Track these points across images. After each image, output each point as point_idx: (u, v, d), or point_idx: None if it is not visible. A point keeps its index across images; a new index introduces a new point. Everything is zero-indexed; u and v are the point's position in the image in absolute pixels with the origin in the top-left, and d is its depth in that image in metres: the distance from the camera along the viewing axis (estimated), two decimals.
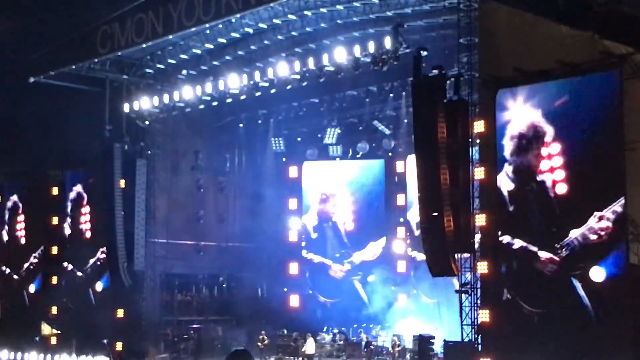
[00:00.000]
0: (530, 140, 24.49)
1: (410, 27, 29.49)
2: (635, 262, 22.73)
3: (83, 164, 39.37)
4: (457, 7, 26.49)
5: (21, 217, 42.13)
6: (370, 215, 39.05)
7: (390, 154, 38.15)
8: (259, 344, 33.29)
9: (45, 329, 39.97)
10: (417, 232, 33.85)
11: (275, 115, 39.03)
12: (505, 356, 24.51)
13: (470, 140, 25.55)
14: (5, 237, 42.80)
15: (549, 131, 23.99)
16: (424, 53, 26.26)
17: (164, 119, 36.59)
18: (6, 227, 42.81)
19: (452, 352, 26.65)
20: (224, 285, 41.32)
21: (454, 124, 25.32)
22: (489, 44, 25.84)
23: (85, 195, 38.99)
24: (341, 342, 35.13)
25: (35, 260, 40.84)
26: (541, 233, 24.21)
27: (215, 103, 34.66)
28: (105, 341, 35.41)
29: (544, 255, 24.01)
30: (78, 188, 39.10)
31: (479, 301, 25.51)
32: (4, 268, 42.61)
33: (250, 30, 32.64)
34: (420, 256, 31.61)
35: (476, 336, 25.50)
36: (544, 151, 24.06)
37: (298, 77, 31.64)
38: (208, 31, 32.91)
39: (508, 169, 24.98)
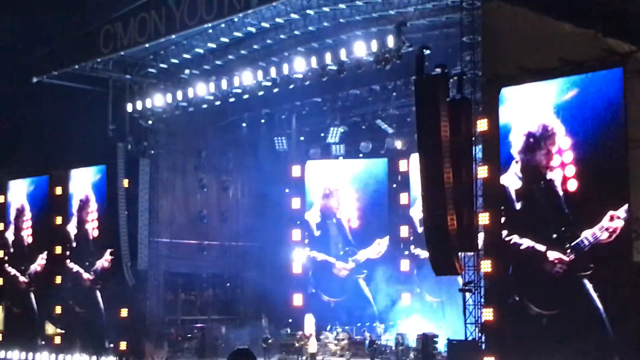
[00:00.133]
0: (539, 139, 24.37)
1: (413, 26, 29.43)
2: (639, 260, 22.66)
3: (87, 163, 39.36)
4: (459, 6, 26.44)
5: (27, 216, 42.11)
6: (374, 213, 38.97)
7: (394, 152, 38.09)
8: (263, 343, 33.25)
9: (50, 328, 40.00)
10: (420, 229, 33.86)
11: (278, 114, 38.96)
12: (509, 356, 24.43)
13: (473, 138, 25.48)
14: (12, 237, 42.78)
15: (558, 128, 23.84)
16: (427, 52, 26.19)
17: (167, 118, 36.54)
18: (12, 227, 42.80)
19: (455, 351, 26.58)
20: (228, 285, 41.28)
21: (457, 123, 25.24)
22: (491, 42, 25.76)
23: (92, 196, 38.98)
24: (345, 341, 35.07)
25: (43, 261, 40.80)
26: (550, 232, 24.07)
27: (218, 102, 34.63)
28: (111, 345, 35.39)
29: (552, 255, 23.88)
30: (86, 188, 39.10)
31: (482, 300, 25.43)
32: (9, 269, 42.60)
33: (253, 30, 32.57)
34: (424, 254, 31.54)
35: (480, 335, 25.43)
36: (554, 147, 23.92)
37: (301, 76, 31.59)
38: (211, 30, 32.85)
39: (516, 167, 24.86)
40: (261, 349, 32.83)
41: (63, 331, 38.76)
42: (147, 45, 33.49)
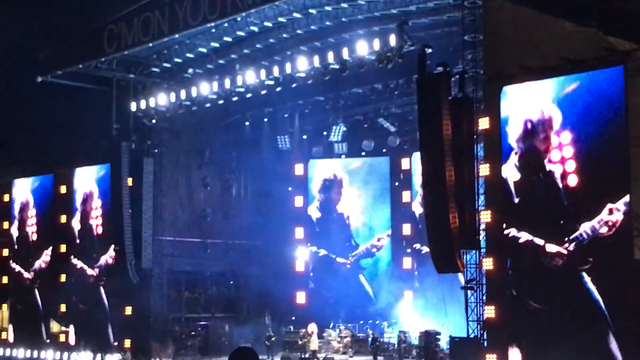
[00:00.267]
0: (537, 125, 24.28)
1: (414, 25, 29.40)
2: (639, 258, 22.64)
3: (91, 162, 39.40)
4: (461, 5, 26.41)
5: (32, 214, 42.18)
6: (376, 210, 38.97)
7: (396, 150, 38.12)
8: (266, 341, 33.27)
9: (55, 326, 40.06)
10: (421, 225, 33.86)
11: (281, 113, 38.97)
12: (511, 352, 24.44)
13: (475, 137, 25.46)
14: (16, 235, 42.84)
15: (557, 116, 23.78)
16: (429, 50, 26.21)
17: (170, 117, 36.53)
18: (17, 225, 42.86)
19: (457, 348, 26.58)
20: (231, 283, 41.30)
21: (458, 121, 25.24)
22: (493, 41, 25.74)
23: (96, 190, 39.05)
24: (348, 339, 35.09)
25: (48, 258, 40.89)
26: (548, 226, 24.02)
27: (221, 101, 34.62)
28: (115, 343, 35.45)
29: (551, 248, 23.86)
30: (90, 183, 39.18)
31: (484, 297, 25.42)
32: (13, 265, 42.66)
33: (256, 29, 32.56)
34: (425, 249, 31.58)
35: (482, 332, 25.43)
36: (554, 140, 23.85)
37: (303, 75, 31.57)
38: (214, 30, 32.87)
39: (514, 158, 24.81)
40: (264, 346, 32.85)
41: (68, 329, 38.82)
42: (150, 44, 33.49)
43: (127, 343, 34.65)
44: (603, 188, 22.86)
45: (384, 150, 38.48)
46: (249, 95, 33.76)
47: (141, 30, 32.93)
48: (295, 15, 31.16)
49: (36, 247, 41.56)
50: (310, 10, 30.77)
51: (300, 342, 33.86)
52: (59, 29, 38.02)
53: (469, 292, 25.74)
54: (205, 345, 35.84)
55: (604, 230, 22.67)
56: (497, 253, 25.07)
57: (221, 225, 40.54)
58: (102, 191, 38.51)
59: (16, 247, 42.65)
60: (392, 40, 28.39)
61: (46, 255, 40.88)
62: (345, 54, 29.82)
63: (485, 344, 25.28)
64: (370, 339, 33.25)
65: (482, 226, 25.53)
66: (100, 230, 38.50)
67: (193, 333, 36.69)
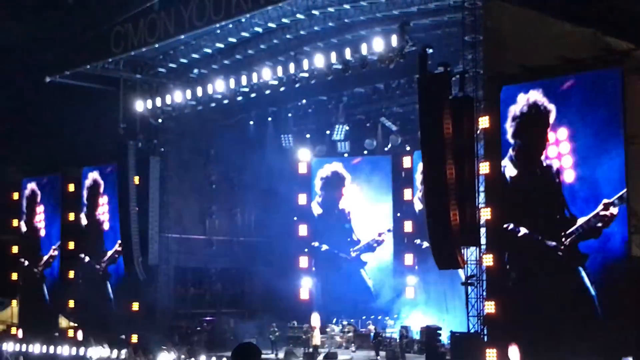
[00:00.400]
0: (533, 121, 24.28)
1: (416, 26, 29.34)
2: (638, 255, 22.62)
3: (98, 161, 39.47)
4: (462, 6, 26.40)
5: (40, 209, 42.24)
6: (378, 207, 38.98)
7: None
8: (270, 336, 33.29)
9: (63, 322, 40.13)
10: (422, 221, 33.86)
11: (284, 112, 38.96)
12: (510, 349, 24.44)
13: (475, 135, 25.46)
14: (26, 233, 42.92)
15: (553, 112, 23.78)
16: (430, 51, 26.19)
17: (176, 117, 36.55)
18: (26, 223, 42.94)
19: (458, 343, 26.59)
20: (236, 279, 41.32)
21: (459, 120, 25.25)
22: (493, 41, 25.73)
23: (102, 185, 39.12)
24: (350, 334, 35.09)
25: (56, 253, 40.99)
26: (545, 220, 24.04)
27: (226, 101, 34.60)
28: (123, 336, 35.50)
29: (548, 243, 23.86)
30: (95, 175, 39.25)
31: (484, 293, 25.42)
32: (22, 259, 42.74)
33: (260, 30, 32.56)
34: (425, 244, 31.60)
35: (482, 327, 25.43)
36: (551, 136, 23.86)
37: (306, 75, 31.55)
38: (219, 31, 32.87)
39: (511, 153, 24.84)
40: (269, 341, 32.87)
41: (76, 325, 38.89)
42: (156, 45, 33.54)
43: (134, 338, 34.70)
44: (599, 183, 22.86)
45: (386, 149, 38.46)
46: (253, 95, 33.74)
47: (147, 32, 32.97)
48: (299, 16, 31.15)
49: (44, 242, 41.64)
50: (314, 12, 30.75)
51: (303, 337, 33.88)
52: (66, 30, 38.03)
53: (470, 288, 25.74)
54: (210, 340, 35.84)
55: (599, 224, 22.68)
56: (497, 249, 25.08)
57: (226, 222, 40.58)
58: (108, 187, 38.61)
59: (25, 242, 42.71)
60: (394, 40, 28.36)
61: (54, 251, 40.99)
62: (347, 54, 29.78)
63: (486, 339, 25.29)
64: (372, 334, 33.25)
65: (482, 223, 25.53)
66: (107, 225, 38.58)
67: (199, 328, 36.72)
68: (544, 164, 24.01)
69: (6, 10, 38.81)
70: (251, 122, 39.97)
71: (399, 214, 38.18)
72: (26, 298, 42.38)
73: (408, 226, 37.43)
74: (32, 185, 42.97)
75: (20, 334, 41.01)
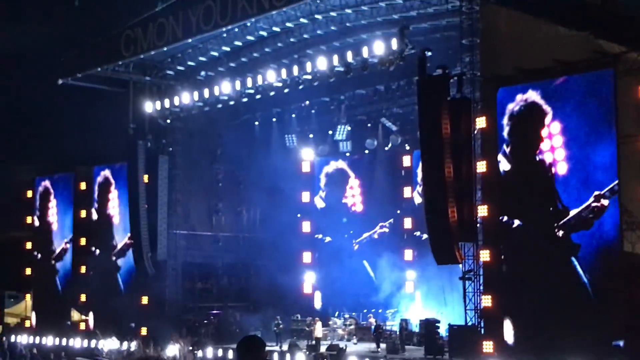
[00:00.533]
0: (529, 119, 24.26)
1: (415, 29, 29.36)
2: (629, 250, 22.62)
3: (109, 160, 39.51)
4: (459, 10, 26.40)
5: (53, 204, 42.26)
6: (378, 202, 38.97)
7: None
8: (275, 328, 33.30)
9: (75, 315, 40.16)
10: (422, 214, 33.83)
11: (288, 113, 38.96)
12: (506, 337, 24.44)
13: (472, 135, 25.44)
14: (39, 228, 42.96)
15: (548, 109, 23.76)
16: (429, 53, 26.22)
17: (184, 117, 36.59)
18: (39, 219, 42.96)
19: (456, 335, 26.59)
20: (242, 274, 41.34)
21: (457, 121, 25.25)
22: (489, 44, 25.73)
23: (112, 182, 39.16)
24: (352, 326, 35.10)
25: (67, 246, 41.02)
26: (539, 212, 24.01)
27: (232, 102, 34.62)
28: (133, 324, 35.58)
29: (542, 234, 23.83)
30: (106, 173, 39.31)
31: (481, 287, 25.42)
32: (36, 253, 42.77)
33: (265, 34, 32.57)
34: (425, 235, 31.54)
35: (479, 320, 25.44)
36: (544, 131, 23.83)
37: (310, 77, 31.55)
38: (225, 35, 32.88)
39: (506, 149, 24.81)
40: (273, 333, 32.89)
41: (87, 317, 38.93)
42: (165, 48, 33.59)
43: (144, 331, 34.75)
44: (591, 176, 22.84)
45: (386, 148, 38.44)
46: (258, 96, 33.76)
47: (156, 35, 33.00)
48: (302, 20, 31.16)
49: (57, 236, 41.67)
50: (316, 16, 30.76)
51: (307, 330, 33.89)
52: (79, 34, 38.11)
53: (467, 282, 25.74)
54: (217, 333, 35.86)
55: (591, 216, 22.67)
56: (493, 245, 25.06)
57: (232, 219, 40.60)
58: (119, 184, 38.68)
59: (38, 236, 42.73)
60: (394, 44, 28.35)
61: (66, 244, 41.02)
62: (349, 57, 29.78)
63: (482, 331, 25.29)
64: (373, 327, 33.24)
65: (479, 220, 25.52)
66: (117, 219, 38.65)
67: (206, 321, 36.72)
68: (537, 158, 23.99)
69: (21, 16, 38.90)
70: (256, 123, 39.97)
71: (398, 211, 38.15)
72: (40, 291, 42.39)
73: (407, 222, 37.40)
74: (45, 183, 43.01)
75: (33, 322, 41.10)
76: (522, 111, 24.36)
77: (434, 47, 27.24)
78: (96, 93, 37.64)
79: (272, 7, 29.14)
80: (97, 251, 39.54)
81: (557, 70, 23.87)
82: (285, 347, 32.31)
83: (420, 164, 26.38)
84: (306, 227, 40.01)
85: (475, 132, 25.50)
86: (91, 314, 38.84)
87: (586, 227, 22.83)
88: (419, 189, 35.39)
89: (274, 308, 35.96)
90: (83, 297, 39.37)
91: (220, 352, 32.19)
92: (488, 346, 24.36)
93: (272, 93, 33.23)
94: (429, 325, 29.57)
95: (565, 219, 23.24)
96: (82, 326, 38.59)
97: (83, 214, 40.31)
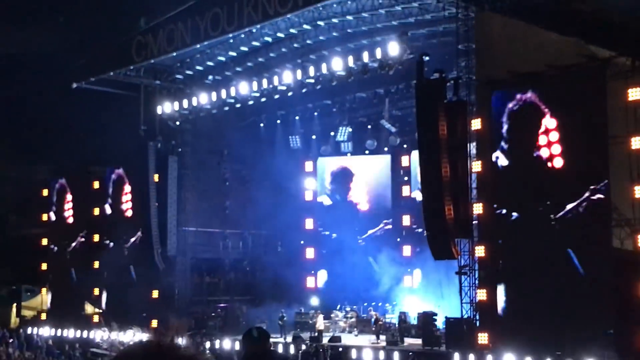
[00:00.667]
0: (526, 117, 24.23)
1: (413, 35, 29.39)
2: (618, 246, 22.63)
3: (121, 161, 39.55)
4: (455, 17, 26.40)
5: (69, 198, 42.30)
6: (380, 201, 39.01)
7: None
8: (279, 321, 33.34)
9: (89, 308, 40.20)
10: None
11: (292, 115, 39.03)
12: (502, 330, 24.45)
13: (468, 136, 25.46)
14: (53, 218, 43.00)
15: (545, 109, 23.75)
16: (426, 58, 26.25)
17: (192, 119, 36.66)
18: (55, 215, 42.99)
19: (453, 328, 26.61)
20: (248, 269, 41.39)
21: (453, 123, 25.28)
22: (485, 49, 25.74)
23: (125, 179, 39.21)
24: (353, 319, 35.14)
25: (82, 239, 41.03)
26: (536, 206, 23.99)
27: (238, 105, 34.71)
28: (144, 314, 35.66)
29: (538, 226, 23.82)
30: (119, 172, 39.38)
31: (477, 282, 25.44)
32: (52, 246, 42.80)
33: (270, 39, 32.61)
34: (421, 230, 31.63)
35: (474, 313, 25.46)
36: (541, 126, 23.81)
37: (312, 81, 31.61)
38: (231, 40, 32.94)
39: (504, 145, 24.79)
40: (278, 326, 32.93)
41: (101, 311, 38.98)
42: (174, 54, 33.66)
43: (154, 323, 34.83)
44: (586, 171, 22.85)
45: (386, 149, 38.48)
46: (263, 99, 33.84)
47: (166, 41, 33.06)
48: (305, 27, 31.20)
49: (72, 231, 41.69)
50: (319, 23, 30.81)
51: (310, 322, 33.95)
52: (92, 40, 38.14)
53: (463, 277, 25.76)
54: (224, 325, 35.90)
55: (587, 209, 22.64)
56: (488, 241, 25.07)
57: (239, 216, 40.58)
58: (131, 181, 38.72)
59: (54, 230, 42.76)
60: (393, 49, 28.40)
61: (81, 238, 41.03)
62: (350, 61, 29.83)
63: (477, 323, 25.31)
64: (373, 320, 33.27)
65: (475, 217, 25.54)
66: (129, 213, 38.71)
67: (213, 314, 36.76)
68: (534, 153, 23.98)
69: (37, 22, 38.95)
70: (262, 124, 40.03)
71: (398, 209, 38.19)
72: (55, 284, 42.41)
73: (406, 220, 37.48)
74: (62, 181, 43.06)
75: (50, 319, 41.13)
76: (521, 110, 24.35)
77: (431, 52, 27.28)
78: (109, 96, 37.69)
79: (276, 14, 29.19)
80: (111, 244, 39.53)
81: (550, 74, 23.87)
82: (289, 338, 32.35)
83: (418, 164, 26.34)
84: (309, 224, 40.06)
85: (471, 133, 25.51)
86: (104, 306, 38.90)
87: (583, 220, 22.82)
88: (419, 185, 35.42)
89: (278, 301, 36.01)
90: (96, 291, 39.42)
91: (227, 343, 32.28)
92: (483, 338, 24.40)
93: (276, 96, 33.30)
94: (427, 317, 29.61)
95: (562, 212, 23.23)
96: (96, 319, 38.63)
97: (96, 211, 40.33)
